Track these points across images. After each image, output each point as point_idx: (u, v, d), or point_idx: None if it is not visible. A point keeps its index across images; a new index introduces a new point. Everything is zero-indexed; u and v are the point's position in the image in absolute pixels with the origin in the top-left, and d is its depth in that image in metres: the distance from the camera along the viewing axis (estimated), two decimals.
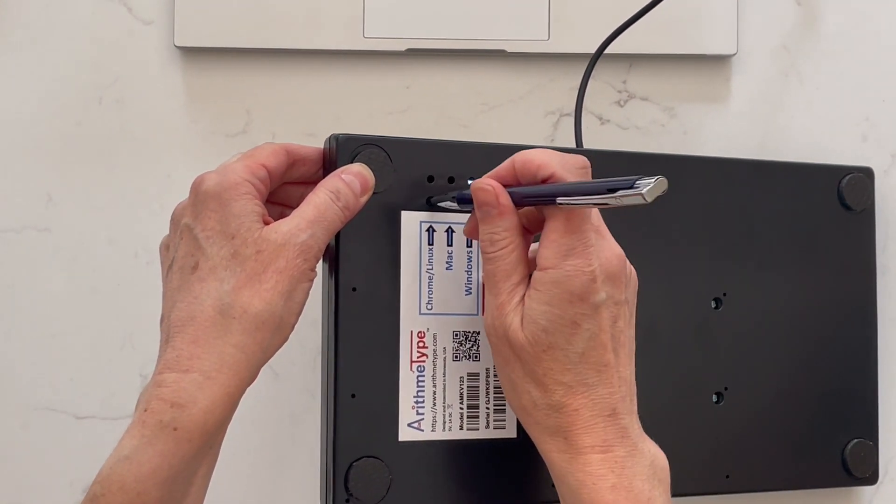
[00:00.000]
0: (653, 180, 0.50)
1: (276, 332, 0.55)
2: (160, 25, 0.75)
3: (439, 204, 0.63)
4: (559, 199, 0.54)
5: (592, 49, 0.73)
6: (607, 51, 0.75)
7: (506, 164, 0.58)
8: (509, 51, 0.76)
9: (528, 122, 0.77)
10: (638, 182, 0.51)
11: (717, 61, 0.79)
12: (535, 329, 0.55)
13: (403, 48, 0.75)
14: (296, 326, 0.57)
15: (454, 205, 0.62)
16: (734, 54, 0.77)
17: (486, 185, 0.57)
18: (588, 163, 0.58)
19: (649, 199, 0.50)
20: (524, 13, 0.75)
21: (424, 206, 0.63)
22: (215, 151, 0.75)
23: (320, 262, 0.60)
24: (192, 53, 0.75)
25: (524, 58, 0.77)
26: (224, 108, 0.75)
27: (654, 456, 0.57)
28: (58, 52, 0.74)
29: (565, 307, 0.55)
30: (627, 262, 0.58)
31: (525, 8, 0.75)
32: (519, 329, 0.56)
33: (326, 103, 0.76)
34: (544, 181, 0.56)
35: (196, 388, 0.53)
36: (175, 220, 0.58)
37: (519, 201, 0.57)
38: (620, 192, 0.51)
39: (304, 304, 0.56)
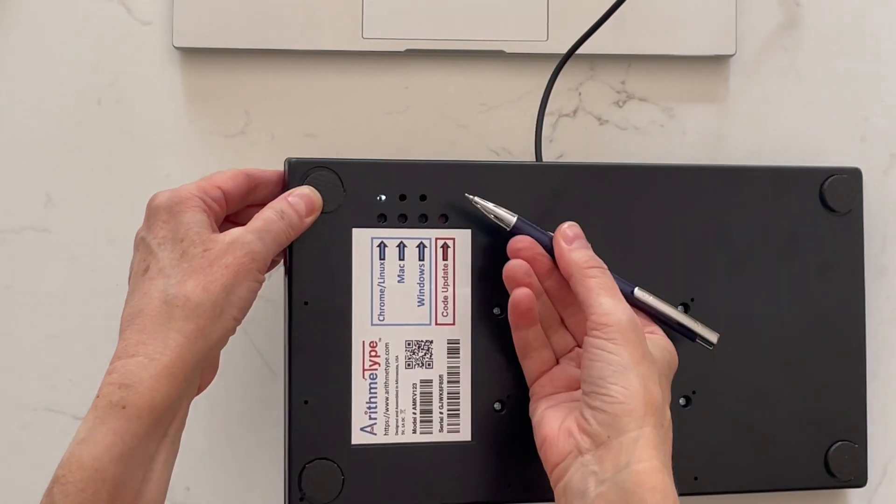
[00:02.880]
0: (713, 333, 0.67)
1: (217, 321, 0.59)
2: (159, 26, 0.75)
3: (479, 202, 0.66)
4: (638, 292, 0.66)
5: (591, 49, 0.73)
6: (606, 51, 0.75)
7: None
8: (508, 51, 0.76)
9: (527, 122, 0.77)
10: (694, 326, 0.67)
11: (715, 62, 0.79)
12: (663, 355, 0.63)
13: (402, 49, 0.75)
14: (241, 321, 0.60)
15: (502, 224, 0.65)
16: (733, 55, 0.77)
17: (575, 225, 0.65)
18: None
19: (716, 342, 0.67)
20: (523, 14, 0.75)
21: (376, 222, 0.66)
22: (214, 152, 0.75)
23: (281, 275, 0.64)
24: (191, 54, 0.75)
25: (523, 58, 0.77)
26: (223, 108, 0.75)
27: None
28: (57, 53, 0.74)
29: (668, 371, 0.64)
30: None
31: (524, 8, 0.75)
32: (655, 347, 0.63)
33: (325, 104, 0.76)
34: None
35: (141, 369, 0.56)
36: (135, 241, 0.62)
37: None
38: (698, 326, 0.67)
39: (249, 302, 0.60)
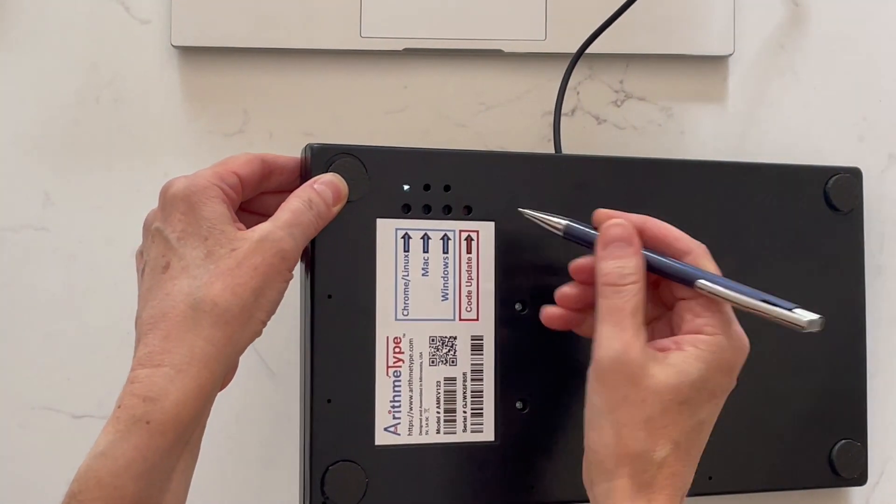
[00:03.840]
0: (816, 316, 0.55)
1: (246, 326, 0.56)
2: (157, 25, 0.75)
3: (528, 212, 0.63)
4: (700, 282, 0.57)
5: (589, 49, 0.73)
6: (604, 51, 0.75)
7: (635, 218, 0.59)
8: (506, 51, 0.76)
9: (526, 121, 0.77)
10: (797, 310, 0.56)
11: (713, 61, 0.79)
12: (683, 379, 0.55)
13: (401, 48, 0.75)
14: (286, 321, 0.58)
15: (555, 231, 0.62)
16: (731, 54, 0.78)
17: (622, 223, 0.58)
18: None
19: (808, 329, 0.55)
20: (521, 13, 0.76)
21: (400, 213, 0.64)
22: (212, 151, 0.75)
23: (297, 267, 0.61)
24: (190, 53, 0.75)
25: (521, 58, 0.77)
26: (221, 107, 0.75)
27: None
28: (55, 52, 0.74)
29: (715, 374, 0.56)
30: None
31: (522, 8, 0.76)
32: (660, 372, 0.55)
33: (324, 103, 0.76)
34: (679, 252, 0.58)
35: (167, 381, 0.53)
36: (146, 227, 0.59)
37: (654, 266, 0.58)
38: (779, 311, 0.56)
39: (277, 304, 0.57)
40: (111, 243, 0.74)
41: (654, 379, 0.55)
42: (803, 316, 0.55)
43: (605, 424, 0.55)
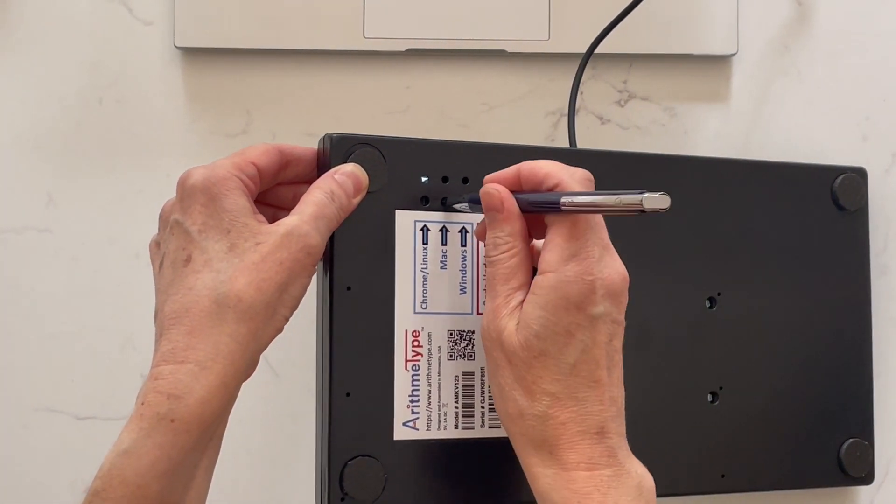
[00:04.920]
0: (657, 194, 0.52)
1: (270, 322, 0.55)
2: (160, 26, 0.75)
3: (455, 206, 0.63)
4: (563, 199, 0.54)
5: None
6: (607, 50, 0.75)
7: (510, 171, 0.58)
8: (509, 51, 0.76)
9: (528, 122, 0.77)
10: (645, 193, 0.52)
11: (717, 61, 0.79)
12: (528, 333, 0.55)
13: (403, 48, 0.75)
14: (290, 320, 0.56)
15: (467, 207, 0.62)
16: (734, 54, 0.77)
17: (493, 189, 0.58)
18: (592, 176, 0.58)
19: (647, 207, 0.52)
20: (524, 13, 0.75)
21: (419, 205, 0.63)
22: (215, 152, 0.74)
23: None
24: (193, 54, 0.75)
25: (524, 58, 0.77)
26: (224, 108, 0.75)
27: (640, 477, 0.56)
28: (58, 53, 0.74)
29: (560, 314, 0.54)
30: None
31: (525, 8, 0.75)
32: (513, 333, 0.56)
33: (327, 103, 0.76)
34: (550, 190, 0.56)
35: (192, 378, 0.52)
36: (164, 218, 0.58)
37: (525, 208, 0.57)
38: (622, 197, 0.52)
39: (300, 299, 0.56)
40: (114, 244, 0.74)
41: (511, 339, 0.56)
42: (646, 197, 0.52)
43: (494, 390, 0.57)
